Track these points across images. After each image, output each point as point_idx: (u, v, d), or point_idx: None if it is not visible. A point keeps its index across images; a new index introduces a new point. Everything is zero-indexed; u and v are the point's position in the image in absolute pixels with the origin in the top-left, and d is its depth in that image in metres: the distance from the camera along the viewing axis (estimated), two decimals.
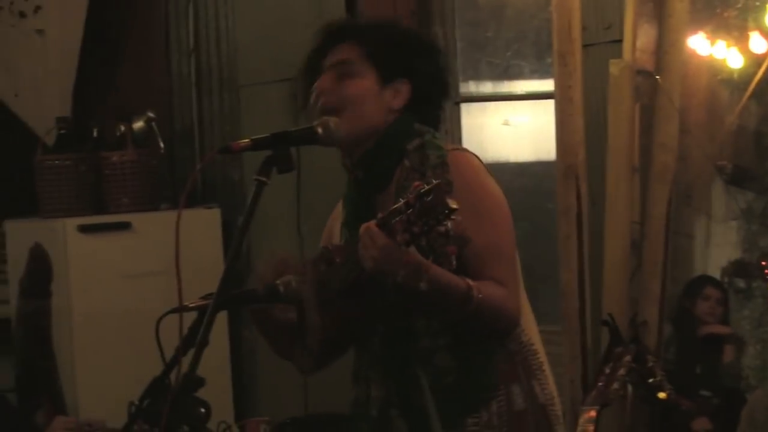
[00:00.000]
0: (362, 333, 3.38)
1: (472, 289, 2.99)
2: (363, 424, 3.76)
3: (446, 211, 2.75)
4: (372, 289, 3.07)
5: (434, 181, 2.78)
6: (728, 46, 4.47)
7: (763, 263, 4.48)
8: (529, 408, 3.18)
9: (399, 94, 3.25)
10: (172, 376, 3.04)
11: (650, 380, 4.33)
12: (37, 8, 7.23)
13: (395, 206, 2.81)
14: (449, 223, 2.79)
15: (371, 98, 3.27)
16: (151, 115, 6.86)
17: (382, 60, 3.26)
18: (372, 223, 2.90)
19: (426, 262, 2.88)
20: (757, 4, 4.34)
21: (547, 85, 4.69)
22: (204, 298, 3.13)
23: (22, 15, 7.26)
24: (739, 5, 4.43)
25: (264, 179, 3.03)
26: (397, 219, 2.79)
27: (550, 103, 4.62)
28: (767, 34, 4.42)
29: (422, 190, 2.74)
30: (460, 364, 3.18)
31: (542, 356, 3.30)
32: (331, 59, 3.31)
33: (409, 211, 2.76)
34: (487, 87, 5.85)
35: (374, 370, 3.38)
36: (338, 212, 3.51)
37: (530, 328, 3.30)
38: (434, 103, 3.39)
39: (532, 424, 3.18)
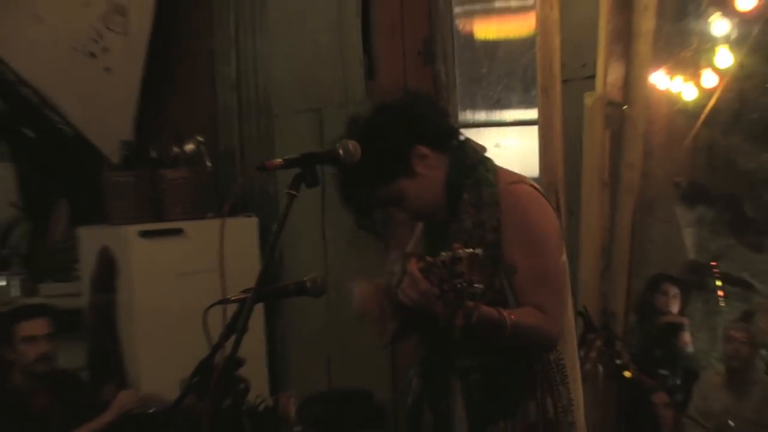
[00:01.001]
0: (418, 335, 3.35)
1: (506, 320, 2.95)
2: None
3: (470, 285, 2.73)
4: None
5: (468, 251, 2.74)
6: (684, 81, 4.46)
7: (713, 264, 4.46)
8: (539, 422, 3.12)
9: (425, 158, 3.18)
10: (217, 357, 3.10)
11: (618, 361, 4.32)
12: (105, 50, 7.23)
13: (438, 259, 2.79)
14: (475, 284, 2.74)
15: (420, 189, 3.19)
16: (199, 138, 6.86)
17: (389, 174, 3.17)
18: (416, 269, 2.88)
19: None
20: (708, 45, 4.33)
21: (532, 114, 4.67)
22: (244, 292, 3.12)
23: (92, 55, 7.26)
24: (693, 47, 4.43)
25: (294, 192, 2.99)
26: (434, 272, 2.78)
27: (534, 129, 4.61)
28: (717, 70, 4.42)
29: (456, 256, 2.73)
30: (488, 383, 3.14)
31: (568, 368, 3.21)
32: (376, 202, 3.25)
33: (443, 269, 2.75)
34: (482, 115, 5.79)
35: (420, 366, 3.35)
36: (419, 228, 3.44)
37: (566, 344, 3.22)
38: (440, 130, 3.28)
39: None
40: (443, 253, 2.77)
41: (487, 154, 3.33)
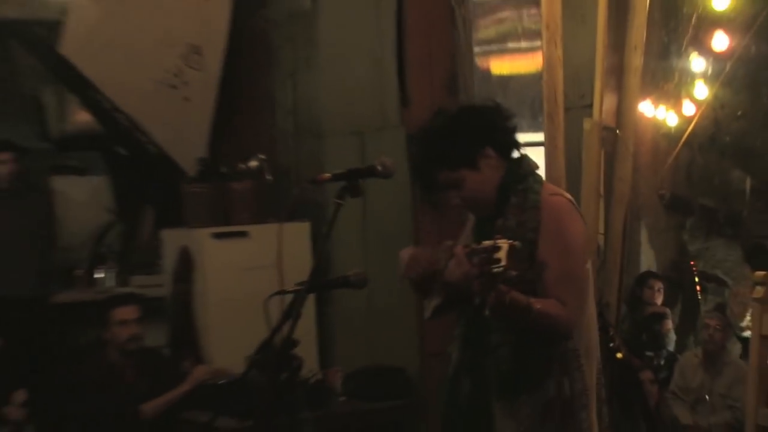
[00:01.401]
0: (455, 312, 3.33)
1: (532, 305, 2.95)
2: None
3: (505, 271, 2.74)
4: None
5: (508, 242, 2.77)
6: (667, 109, 4.48)
7: (692, 263, 4.50)
8: (556, 398, 3.10)
9: (489, 159, 3.17)
10: (276, 338, 3.16)
11: (611, 344, 4.30)
12: (184, 83, 7.15)
13: (481, 246, 2.82)
14: (509, 268, 2.76)
15: (478, 182, 3.18)
16: (261, 156, 6.78)
17: (458, 162, 3.18)
18: (463, 252, 2.92)
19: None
20: (688, 80, 4.38)
21: (539, 137, 4.62)
22: (298, 284, 3.16)
23: (174, 87, 7.20)
24: (675, 81, 4.45)
25: (341, 202, 3.13)
26: (477, 256, 2.79)
27: (541, 150, 4.57)
28: (695, 101, 4.44)
29: (497, 245, 2.76)
30: (515, 359, 3.11)
31: (588, 360, 3.20)
32: (441, 183, 3.24)
33: (484, 255, 2.76)
34: None
35: (458, 342, 3.33)
36: (472, 220, 3.42)
37: (583, 335, 3.19)
38: (509, 142, 3.27)
39: (558, 410, 3.09)
40: (486, 242, 2.79)
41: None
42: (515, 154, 3.22)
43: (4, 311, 6.80)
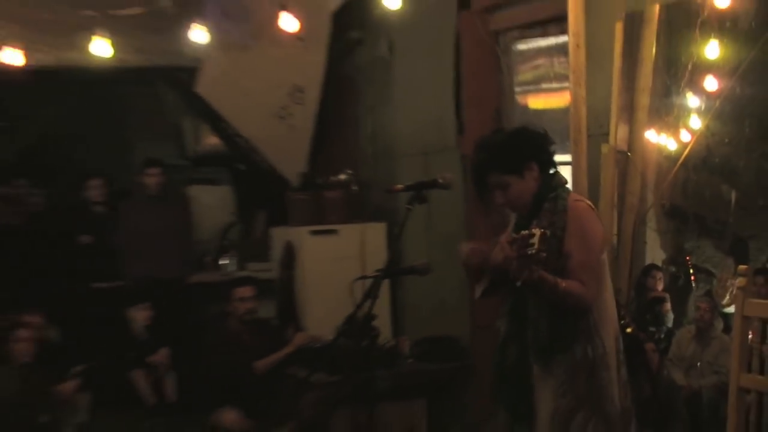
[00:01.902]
0: (500, 293, 3.31)
1: (559, 284, 2.98)
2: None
3: (537, 253, 2.79)
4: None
5: (540, 230, 2.82)
6: (668, 137, 4.41)
7: (687, 258, 4.51)
8: (583, 360, 3.10)
9: (532, 171, 3.17)
10: (359, 313, 3.29)
11: (622, 321, 4.29)
12: (289, 114, 7.19)
13: (519, 235, 2.88)
14: (541, 251, 2.81)
15: (520, 187, 3.18)
16: (349, 171, 6.92)
17: (508, 169, 3.17)
18: (506, 241, 2.96)
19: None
20: (685, 113, 4.38)
21: (567, 158, 4.52)
22: (376, 271, 3.28)
23: (281, 118, 7.24)
24: (675, 114, 4.38)
25: (410, 207, 3.26)
26: (515, 243, 2.84)
27: (568, 168, 4.51)
28: (690, 130, 4.34)
29: (531, 233, 2.81)
30: (550, 330, 3.11)
31: (605, 331, 3.15)
32: (491, 184, 3.22)
33: (521, 241, 2.81)
34: None
35: (505, 317, 3.31)
36: (512, 221, 3.39)
37: (602, 312, 3.17)
38: (549, 161, 3.27)
39: (584, 369, 3.09)
40: (523, 231, 2.85)
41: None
42: (551, 171, 3.22)
43: (156, 288, 6.91)
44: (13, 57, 6.16)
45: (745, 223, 4.30)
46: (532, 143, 3.23)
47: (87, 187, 7.37)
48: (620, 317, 4.14)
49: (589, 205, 3.23)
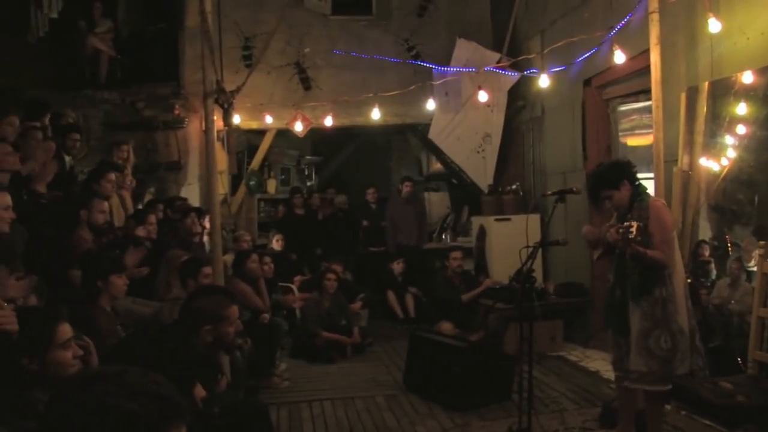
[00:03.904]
0: (610, 257, 3.20)
1: (647, 253, 2.92)
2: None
3: (634, 236, 2.78)
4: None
5: (637, 223, 2.79)
6: (714, 161, 4.31)
7: (726, 236, 4.29)
8: (659, 298, 3.01)
9: (624, 185, 3.11)
10: (524, 269, 3.22)
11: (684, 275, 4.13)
12: (483, 149, 7.25)
13: (623, 225, 2.85)
14: (638, 237, 2.75)
15: (619, 196, 3.12)
16: (518, 183, 6.94)
17: (610, 186, 3.12)
18: (613, 228, 2.98)
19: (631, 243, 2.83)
20: (724, 148, 4.20)
21: (651, 175, 4.15)
22: (534, 243, 3.24)
23: (478, 152, 7.32)
24: (718, 148, 4.25)
25: (555, 205, 3.22)
26: (621, 230, 2.83)
27: (652, 182, 4.11)
28: (728, 158, 4.18)
29: (629, 223, 2.81)
30: (640, 279, 3.03)
31: (674, 279, 3.01)
32: (602, 197, 3.16)
33: (623, 229, 2.81)
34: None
35: (613, 272, 3.23)
36: (614, 215, 3.25)
37: (673, 269, 3.05)
38: (634, 177, 3.17)
39: (659, 303, 3.01)
40: (625, 223, 2.85)
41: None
42: (636, 183, 3.16)
43: (406, 252, 7.38)
44: (328, 120, 6.77)
45: (763, 214, 4.11)
46: (622, 168, 3.18)
47: (367, 194, 7.85)
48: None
49: (664, 203, 3.15)
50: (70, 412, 0.96)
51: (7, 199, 2.79)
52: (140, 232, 4.18)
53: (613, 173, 3.14)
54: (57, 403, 0.98)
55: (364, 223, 7.68)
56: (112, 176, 4.28)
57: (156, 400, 0.97)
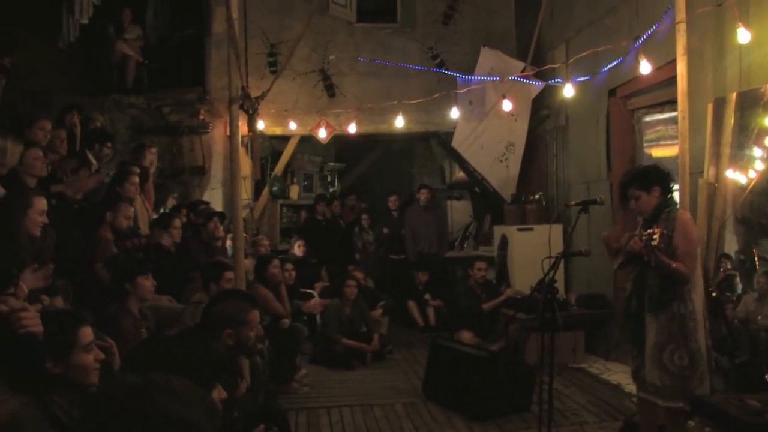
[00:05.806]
0: (633, 267, 3.17)
1: (671, 263, 2.91)
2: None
3: (657, 244, 2.78)
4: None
5: (659, 229, 2.80)
6: (740, 173, 4.22)
7: (755, 250, 4.17)
8: (677, 313, 2.99)
9: (655, 191, 3.09)
10: (545, 278, 3.20)
11: (709, 289, 3.97)
12: (506, 158, 7.21)
13: (647, 232, 2.85)
14: (660, 244, 2.75)
15: (647, 200, 3.10)
16: (540, 193, 6.88)
17: (640, 186, 3.11)
18: (636, 237, 2.96)
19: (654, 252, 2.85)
20: (751, 160, 4.12)
21: (677, 187, 4.05)
22: (557, 254, 3.24)
23: (501, 161, 7.23)
24: (745, 161, 4.17)
25: (578, 215, 3.25)
26: (644, 237, 2.85)
27: (677, 194, 4.04)
28: (755, 170, 4.12)
29: (653, 231, 2.82)
30: (659, 291, 3.02)
31: (693, 294, 2.98)
32: (629, 194, 3.14)
33: (647, 237, 2.82)
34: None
35: (632, 281, 3.20)
36: (639, 223, 3.21)
37: (694, 283, 3.02)
38: (668, 188, 3.17)
39: (677, 319, 2.99)
40: (649, 230, 2.85)
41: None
42: (668, 195, 3.15)
43: (426, 260, 7.40)
44: (352, 128, 6.79)
45: None
46: (659, 174, 3.15)
47: (389, 201, 7.95)
48: (708, 287, 3.87)
49: (690, 217, 3.15)
50: (133, 421, 0.94)
51: (44, 203, 2.86)
52: (165, 240, 4.22)
53: (648, 175, 3.13)
54: (113, 411, 0.95)
55: (385, 230, 7.74)
56: (136, 179, 4.36)
57: (204, 407, 0.97)
